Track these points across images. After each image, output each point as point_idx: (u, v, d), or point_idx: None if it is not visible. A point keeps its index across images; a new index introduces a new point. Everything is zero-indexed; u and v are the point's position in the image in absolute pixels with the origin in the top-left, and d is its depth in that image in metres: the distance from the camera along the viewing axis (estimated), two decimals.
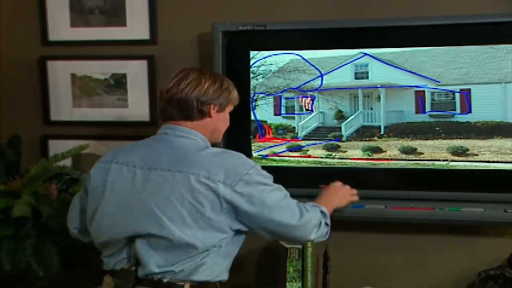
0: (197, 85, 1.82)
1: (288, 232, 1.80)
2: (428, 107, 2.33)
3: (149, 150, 1.83)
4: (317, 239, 1.88)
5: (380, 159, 2.39)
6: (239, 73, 2.43)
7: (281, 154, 2.47)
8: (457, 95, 2.30)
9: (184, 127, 1.83)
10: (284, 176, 1.94)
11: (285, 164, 2.48)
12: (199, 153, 1.78)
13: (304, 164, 2.45)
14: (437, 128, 2.33)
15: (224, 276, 1.84)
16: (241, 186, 1.72)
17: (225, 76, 2.37)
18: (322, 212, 1.88)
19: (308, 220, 1.81)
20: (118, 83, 2.72)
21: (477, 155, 2.30)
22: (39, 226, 2.27)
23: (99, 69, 2.73)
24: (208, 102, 1.83)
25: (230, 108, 1.93)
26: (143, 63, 2.68)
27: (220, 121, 1.90)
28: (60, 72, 2.75)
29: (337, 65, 2.38)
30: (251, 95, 2.45)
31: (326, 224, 1.88)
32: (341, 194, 2.05)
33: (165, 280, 1.75)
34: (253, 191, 1.73)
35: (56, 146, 2.70)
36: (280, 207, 1.77)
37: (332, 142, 2.44)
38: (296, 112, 2.46)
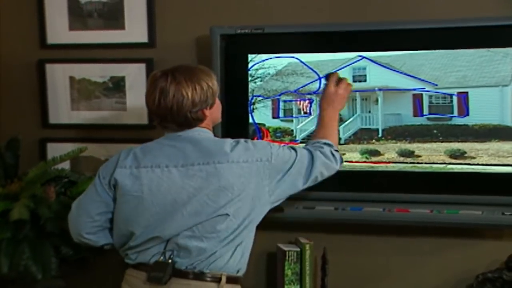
0: (182, 99, 1.86)
1: (313, 170, 1.99)
2: (425, 110, 2.34)
3: (173, 149, 1.89)
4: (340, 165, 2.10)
5: (378, 162, 2.39)
6: (237, 76, 2.44)
7: None
8: (455, 98, 2.31)
9: None
10: None
11: None
12: (225, 144, 1.89)
13: None
14: (435, 131, 2.34)
15: (244, 267, 1.93)
16: (275, 157, 1.91)
17: (223, 79, 2.39)
18: (326, 144, 2.07)
19: (318, 157, 2.01)
20: (117, 86, 2.72)
21: (474, 158, 2.31)
22: (37, 229, 2.27)
23: (98, 72, 2.73)
24: (199, 108, 1.90)
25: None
26: (142, 66, 2.68)
27: (215, 112, 1.99)
28: (59, 75, 2.76)
29: (335, 68, 2.38)
30: (249, 98, 2.45)
31: (336, 151, 2.09)
32: (338, 103, 2.20)
33: (205, 271, 1.82)
34: (282, 158, 1.94)
35: (55, 149, 2.70)
36: (302, 156, 1.99)
37: None
38: (294, 115, 2.46)
